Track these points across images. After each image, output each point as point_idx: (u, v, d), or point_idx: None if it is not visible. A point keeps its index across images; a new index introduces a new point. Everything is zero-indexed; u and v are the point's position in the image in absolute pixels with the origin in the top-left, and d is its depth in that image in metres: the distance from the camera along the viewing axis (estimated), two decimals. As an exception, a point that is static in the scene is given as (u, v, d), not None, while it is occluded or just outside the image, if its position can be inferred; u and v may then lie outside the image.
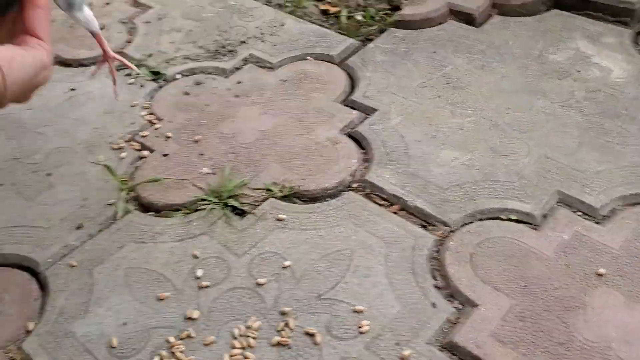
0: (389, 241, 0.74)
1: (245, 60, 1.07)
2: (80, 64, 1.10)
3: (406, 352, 0.62)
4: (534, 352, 0.61)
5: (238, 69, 1.05)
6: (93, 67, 0.90)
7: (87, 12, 0.73)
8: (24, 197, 0.84)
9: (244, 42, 1.11)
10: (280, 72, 1.03)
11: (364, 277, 0.70)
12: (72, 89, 1.04)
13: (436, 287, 0.69)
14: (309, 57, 1.05)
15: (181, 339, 0.65)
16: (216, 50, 1.10)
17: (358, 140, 0.89)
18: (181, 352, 0.64)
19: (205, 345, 0.65)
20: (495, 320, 0.65)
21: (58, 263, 0.74)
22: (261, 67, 1.05)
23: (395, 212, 0.78)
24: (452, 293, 0.68)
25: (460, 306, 0.67)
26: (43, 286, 0.73)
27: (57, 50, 1.12)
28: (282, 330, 0.65)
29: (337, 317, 0.66)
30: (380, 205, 0.79)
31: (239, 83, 1.02)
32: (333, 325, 0.65)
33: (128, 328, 0.67)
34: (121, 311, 0.68)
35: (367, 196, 0.81)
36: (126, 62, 0.85)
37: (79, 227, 0.79)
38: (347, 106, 0.94)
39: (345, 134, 0.90)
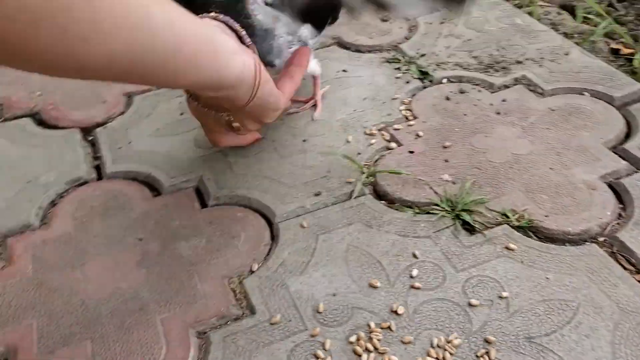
0: (625, 309, 0.66)
1: (516, 80, 1.03)
2: (357, 49, 1.17)
3: None
4: None
5: (507, 87, 1.02)
6: (294, 108, 1.00)
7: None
8: (280, 154, 0.91)
9: (520, 62, 1.08)
10: (550, 100, 0.98)
11: (584, 337, 0.64)
12: (344, 70, 1.10)
13: (669, 377, 0.60)
14: (585, 93, 0.98)
15: (381, 328, 0.66)
16: (489, 64, 1.08)
17: (618, 193, 0.81)
18: (378, 340, 0.64)
19: (402, 342, 0.64)
20: None
21: (291, 219, 0.80)
22: (531, 90, 1.01)
23: (639, 281, 0.69)
24: (688, 391, 0.59)
25: (694, 410, 0.57)
26: (274, 236, 0.79)
27: (339, 33, 1.20)
28: (482, 357, 0.62)
29: (543, 366, 0.61)
30: (625, 268, 0.71)
31: (503, 101, 0.99)
32: (537, 373, 0.61)
33: (336, 299, 0.69)
34: (334, 282, 0.71)
35: (612, 254, 0.73)
36: (320, 108, 0.99)
37: (317, 194, 0.84)
38: (616, 154, 0.86)
39: (605, 182, 0.82)
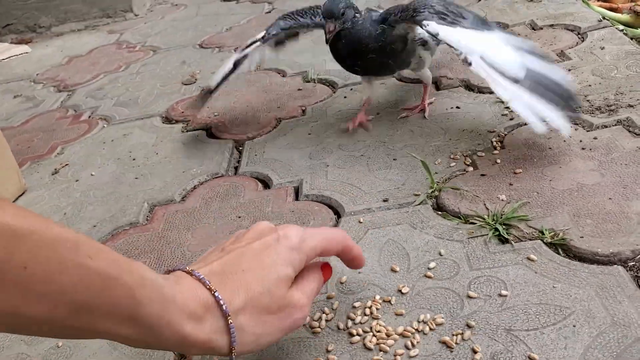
0: (618, 322, 0.67)
1: (618, 122, 1.04)
2: (480, 91, 1.27)
3: (543, 414, 0.60)
4: None
5: (605, 126, 1.04)
6: (405, 113, 1.23)
7: (427, 72, 1.18)
8: (369, 168, 1.07)
9: (632, 106, 1.08)
10: (643, 140, 0.98)
11: (563, 338, 0.67)
12: (457, 107, 1.22)
13: (629, 384, 0.61)
14: (683, 135, 0.96)
15: (383, 300, 0.77)
16: (598, 107, 1.10)
17: (672, 227, 0.80)
18: (377, 308, 0.76)
19: (395, 314, 0.75)
20: None
21: (354, 216, 0.95)
22: (629, 130, 1.01)
23: (652, 304, 0.70)
24: (639, 397, 0.60)
25: (638, 413, 0.58)
26: (335, 226, 0.94)
27: (469, 76, 1.32)
28: (455, 335, 0.70)
29: (509, 352, 0.67)
30: (642, 291, 0.72)
31: (594, 139, 1.01)
32: (499, 355, 0.67)
33: (359, 276, 0.82)
34: (366, 264, 0.84)
35: (635, 278, 0.74)
36: (428, 111, 1.20)
37: (385, 200, 0.97)
38: (685, 190, 0.84)
39: (663, 216, 0.82)
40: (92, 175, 1.25)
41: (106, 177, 1.23)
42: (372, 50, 1.05)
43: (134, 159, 1.28)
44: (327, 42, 1.02)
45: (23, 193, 1.24)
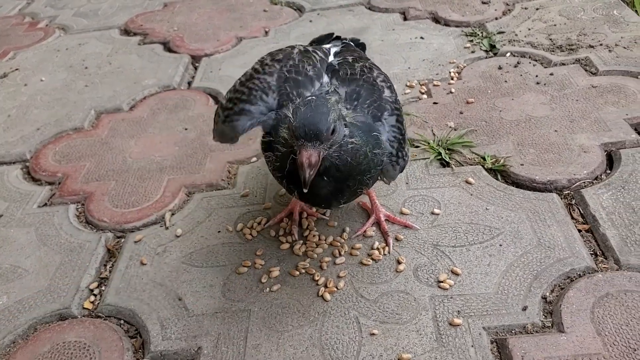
0: (544, 244, 0.68)
1: (577, 61, 1.03)
2: (446, 23, 1.24)
3: (457, 321, 0.60)
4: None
5: (563, 64, 1.03)
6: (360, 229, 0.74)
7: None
8: (324, 89, 1.05)
9: (592, 47, 1.07)
10: (598, 79, 0.97)
11: (488, 255, 0.68)
12: (422, 37, 1.19)
13: (544, 298, 0.62)
14: None
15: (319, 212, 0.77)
16: (559, 46, 1.09)
17: (612, 159, 0.80)
18: (307, 219, 0.76)
19: (327, 225, 0.75)
20: (568, 354, 0.56)
21: (301, 134, 0.93)
22: (585, 69, 1.00)
23: (579, 230, 0.70)
24: (551, 311, 0.61)
25: (547, 323, 0.59)
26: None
27: (438, 9, 1.29)
28: (383, 247, 0.70)
29: (432, 265, 0.67)
30: (572, 218, 0.72)
31: (550, 75, 1.00)
32: (423, 268, 0.67)
33: (296, 189, 0.82)
34: (303, 178, 0.83)
35: (568, 205, 0.74)
36: (403, 222, 0.73)
37: (334, 121, 0.96)
38: (636, 130, 0.84)
39: (604, 150, 0.82)
40: (41, 80, 1.21)
41: (56, 83, 1.20)
42: (364, 179, 0.62)
43: (86, 68, 1.24)
44: (305, 187, 0.56)
45: (-32, 94, 1.20)
